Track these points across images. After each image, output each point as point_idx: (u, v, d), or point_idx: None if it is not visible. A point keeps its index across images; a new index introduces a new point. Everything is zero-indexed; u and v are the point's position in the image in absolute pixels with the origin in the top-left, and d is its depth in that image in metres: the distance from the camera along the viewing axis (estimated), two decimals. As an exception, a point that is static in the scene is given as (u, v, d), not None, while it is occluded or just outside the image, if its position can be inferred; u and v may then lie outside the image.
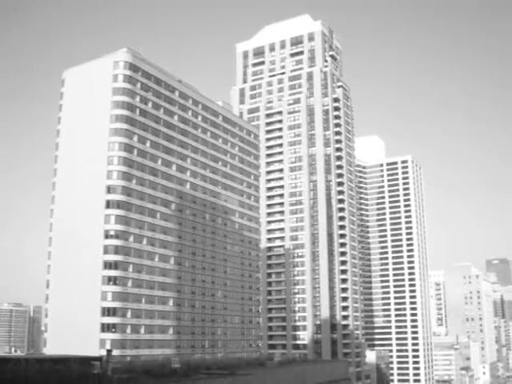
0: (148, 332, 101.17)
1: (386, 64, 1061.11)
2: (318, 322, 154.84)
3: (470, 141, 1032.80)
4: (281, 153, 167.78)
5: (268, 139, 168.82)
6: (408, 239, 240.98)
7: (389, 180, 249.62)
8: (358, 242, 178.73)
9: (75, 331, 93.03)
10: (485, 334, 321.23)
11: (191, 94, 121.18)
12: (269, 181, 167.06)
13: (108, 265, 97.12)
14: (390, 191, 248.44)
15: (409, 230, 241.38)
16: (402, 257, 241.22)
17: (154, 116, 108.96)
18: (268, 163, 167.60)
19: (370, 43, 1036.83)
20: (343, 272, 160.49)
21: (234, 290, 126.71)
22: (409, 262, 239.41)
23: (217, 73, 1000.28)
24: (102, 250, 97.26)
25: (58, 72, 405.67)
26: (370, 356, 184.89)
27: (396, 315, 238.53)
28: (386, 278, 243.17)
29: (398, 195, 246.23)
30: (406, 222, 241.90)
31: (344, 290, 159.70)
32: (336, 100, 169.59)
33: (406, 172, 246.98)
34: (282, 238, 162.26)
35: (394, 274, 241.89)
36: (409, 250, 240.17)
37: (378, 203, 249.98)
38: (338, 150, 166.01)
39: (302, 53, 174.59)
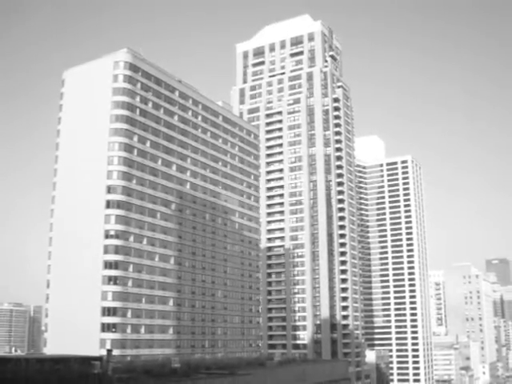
0: (148, 332, 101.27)
1: (385, 64, 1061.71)
2: (318, 322, 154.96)
3: (469, 141, 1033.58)
4: (281, 153, 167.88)
5: (268, 139, 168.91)
6: (408, 239, 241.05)
7: (389, 180, 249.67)
8: (358, 241, 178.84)
9: (75, 331, 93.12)
10: (484, 333, 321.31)
11: (191, 94, 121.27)
12: (269, 181, 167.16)
13: (108, 265, 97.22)
14: (389, 191, 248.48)
15: (409, 230, 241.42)
16: (401, 257, 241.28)
17: (154, 116, 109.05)
18: (268, 163, 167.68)
19: (370, 43, 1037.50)
20: (343, 272, 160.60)
21: (234, 289, 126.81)
22: (409, 262, 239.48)
23: (217, 73, 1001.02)
24: (102, 250, 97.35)
25: (58, 72, 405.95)
26: (370, 356, 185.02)
27: (396, 315, 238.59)
28: (386, 278, 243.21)
29: (397, 195, 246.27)
30: (406, 222, 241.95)
31: (344, 289, 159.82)
32: (336, 100, 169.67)
33: (406, 172, 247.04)
34: (281, 238, 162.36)
35: (394, 274, 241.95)
36: (409, 250, 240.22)
37: (377, 203, 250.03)
38: (338, 150, 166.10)
39: (301, 53, 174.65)
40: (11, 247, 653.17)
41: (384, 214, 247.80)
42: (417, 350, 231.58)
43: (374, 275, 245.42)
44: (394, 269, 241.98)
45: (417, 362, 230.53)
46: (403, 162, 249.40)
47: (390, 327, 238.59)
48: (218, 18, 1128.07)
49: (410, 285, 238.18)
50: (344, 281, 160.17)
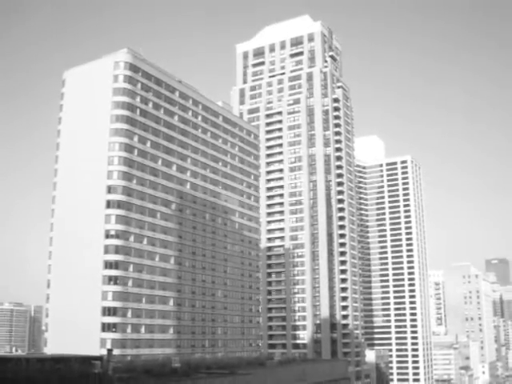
0: (148, 331, 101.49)
1: (385, 64, 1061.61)
2: (318, 322, 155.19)
3: (469, 141, 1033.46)
4: (281, 153, 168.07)
5: (268, 139, 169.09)
6: (407, 239, 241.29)
7: (388, 180, 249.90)
8: (358, 241, 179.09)
9: (76, 331, 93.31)
10: (484, 333, 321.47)
11: (191, 94, 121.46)
12: (269, 181, 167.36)
13: (108, 264, 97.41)
14: (389, 191, 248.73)
15: (408, 230, 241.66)
16: (401, 257, 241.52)
17: (155, 116, 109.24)
18: (268, 163, 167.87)
19: (370, 44, 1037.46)
20: (343, 272, 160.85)
21: (234, 289, 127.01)
22: (408, 262, 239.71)
23: (217, 73, 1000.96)
24: (102, 250, 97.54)
25: (58, 72, 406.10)
26: (370, 355, 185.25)
27: (395, 315, 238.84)
28: (386, 278, 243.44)
29: (397, 195, 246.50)
30: (406, 222, 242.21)
31: (344, 289, 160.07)
32: (336, 100, 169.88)
33: (406, 172, 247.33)
34: (281, 238, 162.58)
35: (394, 274, 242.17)
36: (408, 250, 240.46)
37: (377, 203, 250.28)
38: (338, 150, 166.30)
39: (301, 53, 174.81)
40: (11, 247, 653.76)
41: (384, 214, 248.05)
42: (416, 350, 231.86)
43: (373, 275, 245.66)
44: (393, 269, 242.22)
45: (416, 362, 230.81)
46: (403, 162, 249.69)
47: (389, 327, 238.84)
48: (219, 19, 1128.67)
49: (410, 285, 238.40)
50: (344, 281, 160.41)
